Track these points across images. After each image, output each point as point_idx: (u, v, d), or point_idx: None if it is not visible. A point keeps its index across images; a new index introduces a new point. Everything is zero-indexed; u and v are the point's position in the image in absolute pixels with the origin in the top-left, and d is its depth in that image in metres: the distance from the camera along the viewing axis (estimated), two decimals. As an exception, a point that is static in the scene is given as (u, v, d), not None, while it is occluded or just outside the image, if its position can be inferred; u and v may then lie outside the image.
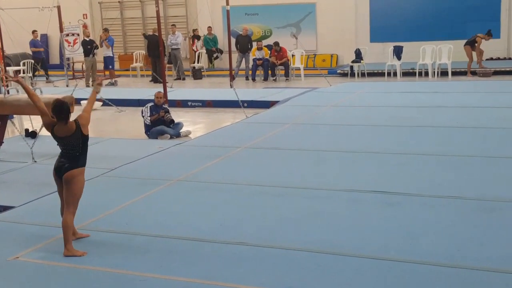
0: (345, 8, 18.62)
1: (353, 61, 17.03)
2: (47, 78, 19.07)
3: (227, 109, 12.23)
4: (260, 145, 8.14)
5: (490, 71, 15.71)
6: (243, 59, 17.70)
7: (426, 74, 16.09)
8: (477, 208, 5.14)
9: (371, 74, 17.03)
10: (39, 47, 19.16)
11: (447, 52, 15.70)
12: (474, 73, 15.80)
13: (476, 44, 15.56)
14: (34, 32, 18.90)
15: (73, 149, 4.52)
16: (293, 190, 5.91)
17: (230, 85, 13.93)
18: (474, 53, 15.72)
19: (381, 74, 16.73)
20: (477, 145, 7.61)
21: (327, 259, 4.19)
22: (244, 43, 17.59)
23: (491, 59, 17.33)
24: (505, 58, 17.62)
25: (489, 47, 16.30)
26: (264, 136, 8.69)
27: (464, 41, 15.93)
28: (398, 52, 16.44)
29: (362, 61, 16.87)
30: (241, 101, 11.50)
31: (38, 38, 19.50)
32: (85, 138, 4.57)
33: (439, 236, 4.55)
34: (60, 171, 4.51)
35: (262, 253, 4.35)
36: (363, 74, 17.02)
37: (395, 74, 16.46)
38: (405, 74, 16.49)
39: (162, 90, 10.89)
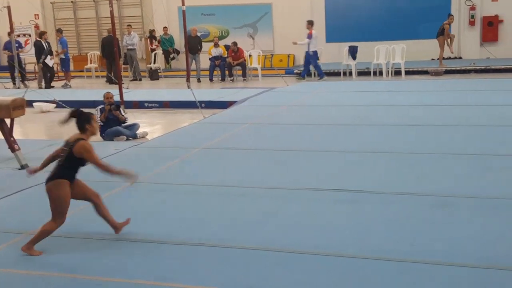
0: (300, 8, 18.75)
1: (309, 61, 17.16)
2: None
3: (185, 110, 12.15)
4: (218, 145, 8.12)
5: (442, 70, 16.10)
6: (194, 60, 17.54)
7: (381, 73, 16.37)
8: (431, 203, 5.25)
9: (327, 74, 17.17)
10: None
11: (400, 51, 16.01)
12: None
13: (445, 32, 15.98)
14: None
15: (60, 159, 4.51)
16: (252, 190, 5.92)
17: (187, 85, 13.86)
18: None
19: (337, 73, 16.93)
20: (430, 142, 7.78)
21: (286, 257, 4.21)
22: (193, 44, 17.43)
23: (443, 58, 17.72)
24: (456, 58, 18.05)
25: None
26: (222, 136, 8.68)
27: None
28: (353, 52, 16.67)
29: (318, 61, 17.02)
30: (199, 101, 11.46)
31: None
32: (73, 156, 4.50)
33: (395, 232, 4.63)
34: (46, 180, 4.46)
35: (221, 253, 4.34)
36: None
37: (350, 73, 16.69)
38: (360, 73, 16.75)
39: (117, 91, 10.74)
